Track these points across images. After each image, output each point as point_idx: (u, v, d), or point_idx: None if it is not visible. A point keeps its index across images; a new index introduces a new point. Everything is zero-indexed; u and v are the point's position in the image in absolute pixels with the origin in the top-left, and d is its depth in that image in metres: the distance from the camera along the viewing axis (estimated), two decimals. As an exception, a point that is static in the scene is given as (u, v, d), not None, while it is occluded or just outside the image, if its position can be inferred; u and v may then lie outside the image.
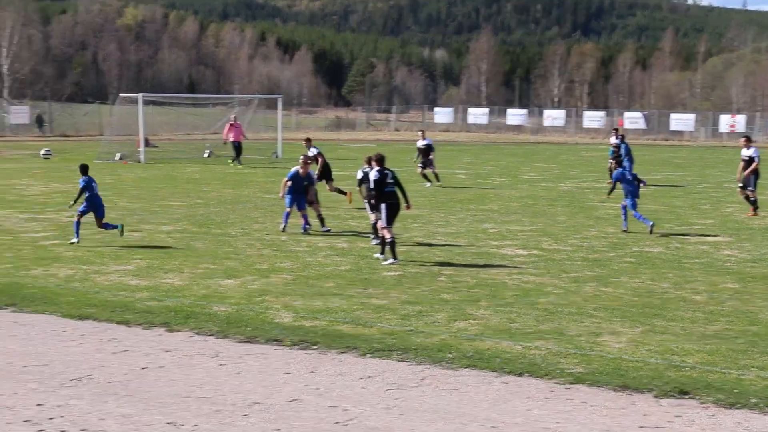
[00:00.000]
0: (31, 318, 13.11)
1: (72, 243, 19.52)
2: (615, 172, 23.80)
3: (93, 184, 19.90)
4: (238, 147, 44.50)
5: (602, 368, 10.63)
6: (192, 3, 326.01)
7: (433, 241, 20.68)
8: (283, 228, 21.94)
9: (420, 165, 35.05)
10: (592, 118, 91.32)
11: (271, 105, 76.13)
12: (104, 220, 20.03)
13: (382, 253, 18.18)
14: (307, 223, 22.06)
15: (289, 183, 22.14)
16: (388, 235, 17.92)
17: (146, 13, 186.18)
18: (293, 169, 22.50)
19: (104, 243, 19.87)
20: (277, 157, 50.05)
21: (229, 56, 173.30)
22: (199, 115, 73.86)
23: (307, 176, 22.49)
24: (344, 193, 27.68)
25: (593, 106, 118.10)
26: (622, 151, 33.29)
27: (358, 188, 21.31)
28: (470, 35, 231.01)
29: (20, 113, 78.23)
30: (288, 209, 22.12)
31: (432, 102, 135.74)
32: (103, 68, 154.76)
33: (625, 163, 24.73)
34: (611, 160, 35.10)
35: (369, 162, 19.49)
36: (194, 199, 29.04)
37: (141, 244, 19.77)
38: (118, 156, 47.38)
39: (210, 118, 70.05)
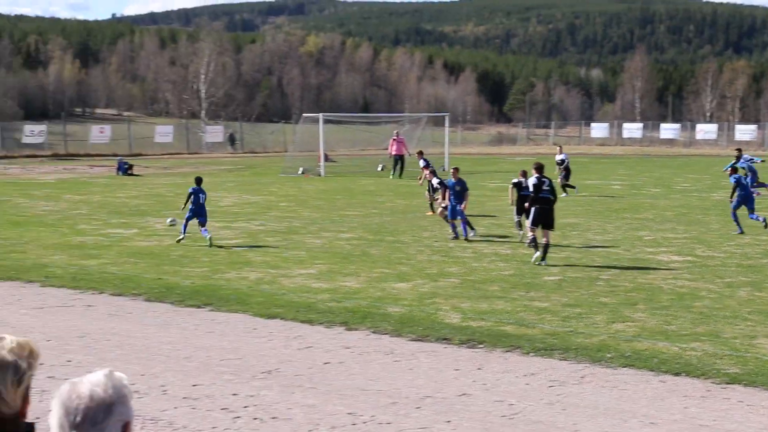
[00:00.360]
0: (226, 316, 13.42)
1: (179, 240, 21.00)
2: (732, 177, 24.37)
3: (200, 194, 21.38)
4: (398, 160, 45.25)
5: (758, 369, 10.23)
6: (367, 30, 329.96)
7: (591, 248, 20.32)
8: (454, 237, 21.87)
9: (561, 176, 35.00)
10: (744, 132, 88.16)
11: (438, 122, 76.12)
12: (204, 227, 21.04)
13: (543, 259, 18.08)
14: (471, 228, 21.98)
15: (449, 192, 22.22)
16: (530, 234, 18.45)
17: (326, 40, 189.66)
18: (449, 180, 22.59)
19: (289, 249, 20.24)
20: (444, 170, 49.99)
21: (400, 78, 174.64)
22: (372, 132, 74.44)
23: (460, 182, 22.46)
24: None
25: (745, 120, 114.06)
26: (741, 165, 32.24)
27: (510, 187, 22.03)
28: (625, 55, 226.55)
29: (215, 132, 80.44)
30: (451, 220, 22.13)
31: (588, 118, 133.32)
32: (287, 91, 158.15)
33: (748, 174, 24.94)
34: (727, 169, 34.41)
35: (523, 174, 21.07)
36: (369, 209, 29.31)
37: (322, 251, 20.05)
38: (300, 170, 48.20)
39: (382, 134, 70.47)
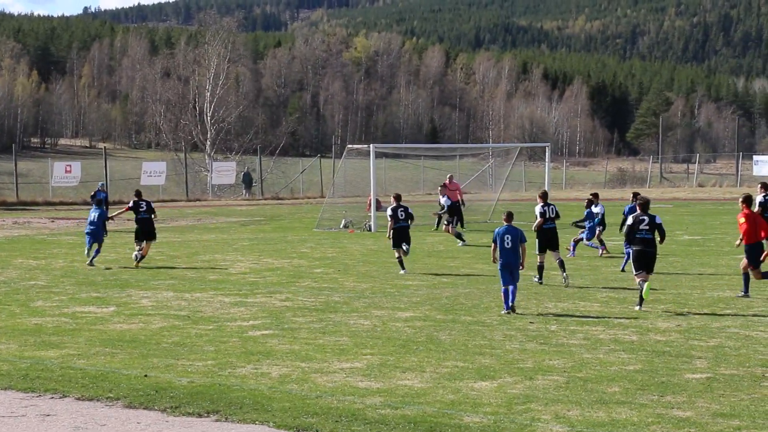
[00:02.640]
0: (237, 429, 13.41)
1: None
2: None
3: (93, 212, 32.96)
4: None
5: None
6: (436, 29, 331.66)
7: (754, 333, 20.08)
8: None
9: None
10: None
11: (535, 155, 76.13)
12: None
13: (640, 304, 21.75)
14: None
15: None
16: (636, 280, 22.21)
17: (380, 42, 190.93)
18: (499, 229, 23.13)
19: (326, 333, 20.24)
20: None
21: (482, 94, 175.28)
22: (442, 169, 74.72)
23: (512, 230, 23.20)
24: None
25: None
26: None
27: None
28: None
29: (225, 171, 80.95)
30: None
31: (748, 149, 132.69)
32: (325, 113, 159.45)
33: None
34: None
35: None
36: (438, 278, 29.27)
37: (372, 336, 20.02)
38: (343, 223, 48.39)
39: (456, 172, 70.84)
